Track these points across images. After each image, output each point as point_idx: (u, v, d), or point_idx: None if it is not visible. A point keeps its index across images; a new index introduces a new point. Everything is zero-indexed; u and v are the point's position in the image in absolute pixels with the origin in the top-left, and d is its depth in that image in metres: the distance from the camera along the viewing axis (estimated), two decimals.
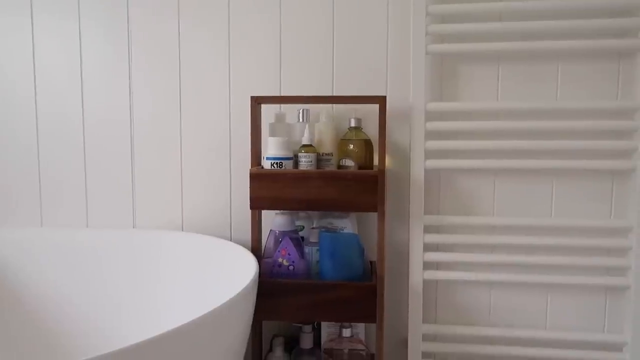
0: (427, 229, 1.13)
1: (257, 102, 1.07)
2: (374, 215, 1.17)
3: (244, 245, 1.12)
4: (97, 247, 1.21)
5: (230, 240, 1.22)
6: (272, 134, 1.11)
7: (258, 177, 1.02)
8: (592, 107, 1.07)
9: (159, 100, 1.23)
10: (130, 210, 1.27)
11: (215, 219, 1.24)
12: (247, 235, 1.21)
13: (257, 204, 1.03)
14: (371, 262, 1.16)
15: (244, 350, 0.98)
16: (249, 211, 1.10)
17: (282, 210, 1.09)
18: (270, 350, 1.12)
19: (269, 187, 1.02)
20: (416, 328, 1.12)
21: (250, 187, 1.02)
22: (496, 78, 1.13)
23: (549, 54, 1.11)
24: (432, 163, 1.11)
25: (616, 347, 1.10)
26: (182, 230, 1.25)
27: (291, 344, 1.14)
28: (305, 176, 1.01)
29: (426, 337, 1.15)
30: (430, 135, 1.12)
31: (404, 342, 1.18)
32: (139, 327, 1.15)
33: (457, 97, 1.14)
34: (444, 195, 1.16)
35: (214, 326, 0.77)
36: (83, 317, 1.19)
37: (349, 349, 1.07)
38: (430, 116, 1.11)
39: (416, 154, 1.10)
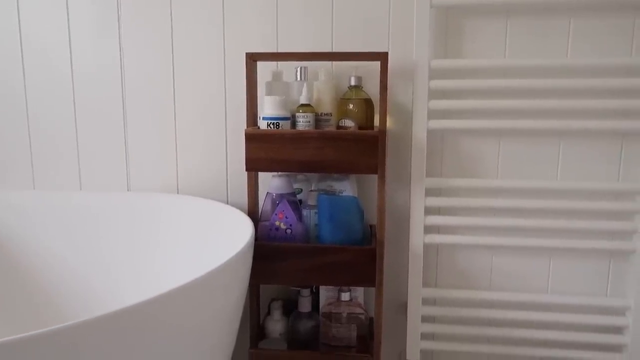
0: (429, 192, 1.10)
1: (252, 59, 1.02)
2: (374, 178, 1.13)
3: (241, 209, 1.09)
4: (92, 209, 1.19)
5: (227, 203, 1.19)
6: (269, 93, 1.07)
7: (254, 138, 0.99)
8: (604, 64, 1.02)
9: (150, 59, 1.18)
10: (124, 173, 1.24)
11: (211, 182, 1.20)
12: (244, 199, 1.18)
13: (253, 165, 0.99)
14: (371, 226, 1.14)
15: (240, 314, 0.97)
16: (245, 174, 1.06)
17: (279, 173, 1.05)
18: (269, 313, 1.11)
19: (265, 148, 0.98)
20: (416, 292, 1.10)
21: (245, 148, 0.99)
22: (504, 33, 1.07)
23: (560, 7, 1.05)
24: (435, 123, 1.06)
25: (619, 312, 1.09)
26: (178, 193, 1.22)
27: (289, 307, 1.13)
28: (303, 136, 0.97)
29: (426, 301, 1.13)
30: (434, 94, 1.07)
31: (404, 306, 1.16)
32: (135, 290, 1.14)
33: (462, 53, 1.09)
34: (447, 157, 1.12)
35: (210, 288, 0.76)
36: (78, 280, 1.18)
37: (348, 313, 1.06)
38: (434, 74, 1.06)
39: (419, 113, 1.06)
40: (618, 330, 1.09)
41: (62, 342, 0.57)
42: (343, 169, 0.98)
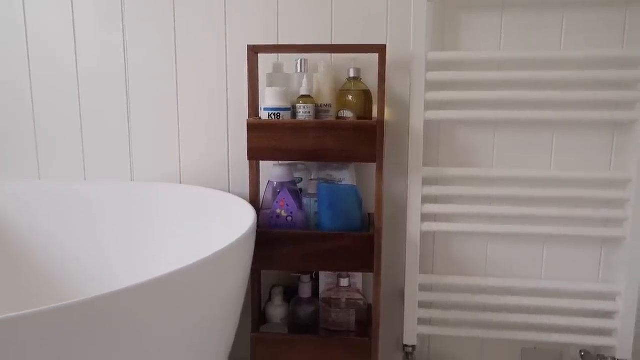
0: (426, 181, 1.13)
1: (254, 51, 1.05)
2: (372, 168, 1.16)
3: (243, 198, 1.11)
4: (95, 199, 1.22)
5: (229, 192, 1.22)
6: (270, 84, 1.09)
7: (255, 128, 1.01)
8: (597, 56, 1.05)
9: (153, 51, 1.21)
10: (127, 163, 1.26)
11: (213, 172, 1.23)
12: (245, 188, 1.20)
13: (255, 154, 1.02)
14: (369, 215, 1.16)
15: (243, 299, 1.00)
16: (247, 163, 1.09)
17: (280, 162, 1.08)
18: (270, 299, 1.14)
19: (266, 138, 1.01)
20: (413, 278, 1.13)
21: (247, 138, 1.01)
22: (499, 26, 1.10)
23: (554, 1, 1.07)
24: (432, 114, 1.09)
25: (609, 297, 1.12)
26: (180, 183, 1.25)
27: (290, 294, 1.16)
28: (303, 126, 1.00)
29: (423, 287, 1.17)
30: (431, 86, 1.10)
31: (401, 293, 1.20)
32: (138, 278, 1.16)
33: (459, 46, 1.11)
34: (443, 147, 1.15)
35: (213, 271, 0.78)
36: (81, 269, 1.21)
37: (347, 299, 1.09)
38: (430, 66, 1.09)
39: (416, 105, 1.09)
40: (609, 315, 1.12)
41: (61, 321, 0.59)
42: (342, 158, 1.00)
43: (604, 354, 1.12)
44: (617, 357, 1.10)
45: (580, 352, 1.15)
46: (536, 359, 1.19)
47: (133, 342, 0.67)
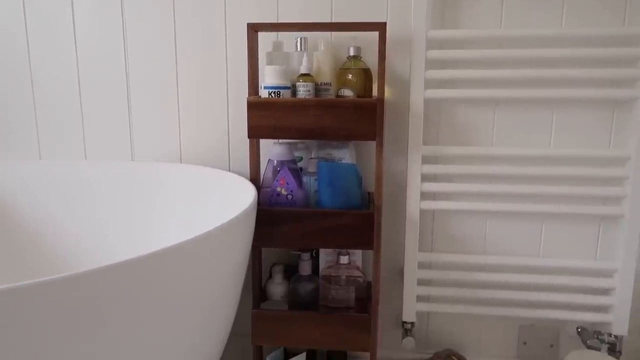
0: (425, 160, 1.14)
1: (253, 29, 1.04)
2: (372, 147, 1.17)
3: (243, 176, 1.12)
4: (96, 179, 1.22)
5: (229, 171, 1.22)
6: (270, 63, 1.09)
7: (256, 106, 1.01)
8: (598, 34, 1.04)
9: (153, 29, 1.20)
10: (127, 142, 1.26)
11: (214, 151, 1.23)
12: (246, 167, 1.21)
13: (255, 133, 1.02)
14: (369, 193, 1.17)
15: (243, 276, 1.01)
16: (247, 142, 1.09)
17: (280, 140, 1.08)
18: (270, 277, 1.15)
19: (266, 116, 1.01)
20: (412, 256, 1.14)
21: (247, 116, 1.01)
22: (500, 4, 1.09)
23: None
24: (432, 93, 1.09)
25: (607, 274, 1.13)
26: (180, 162, 1.25)
27: (290, 272, 1.17)
28: (303, 104, 1.00)
29: (422, 265, 1.18)
30: (431, 64, 1.10)
31: (400, 271, 1.21)
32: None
33: (459, 24, 1.11)
34: (443, 126, 1.15)
35: (212, 247, 0.79)
36: (81, 248, 1.22)
37: (347, 276, 1.10)
38: (431, 44, 1.09)
39: (416, 83, 1.09)
40: (606, 292, 1.13)
41: (61, 292, 0.60)
42: (342, 136, 1.01)
43: (600, 330, 1.14)
44: (613, 333, 1.11)
45: (577, 328, 1.16)
46: (533, 336, 1.21)
47: (134, 315, 0.68)
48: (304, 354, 1.12)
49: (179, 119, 1.23)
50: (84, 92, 1.25)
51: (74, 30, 1.22)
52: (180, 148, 1.25)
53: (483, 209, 1.12)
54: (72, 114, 1.27)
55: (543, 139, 1.13)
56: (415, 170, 1.12)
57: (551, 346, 1.21)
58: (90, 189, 1.22)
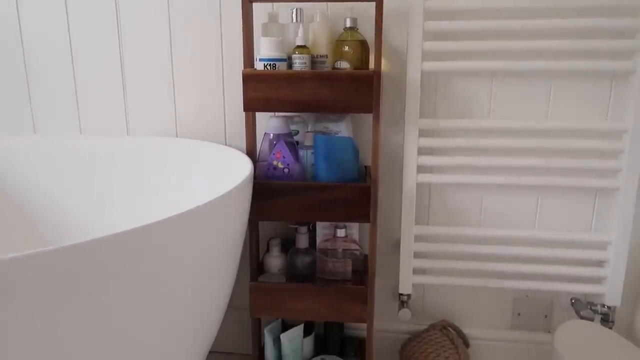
0: (422, 133, 1.13)
1: (248, 0, 1.03)
2: (368, 121, 1.16)
3: (239, 150, 1.12)
4: (91, 154, 1.22)
5: (225, 145, 1.22)
6: (265, 34, 1.07)
7: (251, 78, 1.00)
8: (595, 4, 1.03)
9: (146, 2, 1.18)
10: (122, 117, 1.25)
11: (209, 125, 1.23)
12: (242, 141, 1.21)
13: (251, 106, 1.02)
14: (366, 167, 1.17)
15: (240, 249, 1.01)
16: (243, 115, 1.09)
17: (276, 113, 1.08)
18: (268, 250, 1.16)
19: (262, 89, 1.00)
20: (408, 229, 1.15)
21: (243, 89, 1.01)
22: None
23: None
24: (429, 65, 1.08)
25: (601, 246, 1.14)
26: (177, 136, 1.25)
27: (287, 245, 1.18)
28: (299, 77, 0.99)
29: (418, 238, 1.18)
30: (429, 35, 1.08)
31: (397, 244, 1.22)
32: None
33: None
34: (440, 99, 1.14)
35: (209, 220, 0.79)
36: (77, 223, 1.22)
37: (343, 249, 1.11)
38: (428, 15, 1.07)
39: (413, 55, 1.07)
40: (600, 263, 1.14)
41: (56, 263, 0.60)
42: (338, 109, 1.00)
43: (593, 301, 1.15)
44: (606, 304, 1.13)
45: (571, 299, 1.18)
46: (528, 307, 1.23)
47: (131, 287, 0.68)
48: (302, 325, 1.14)
49: (174, 92, 1.22)
50: (78, 67, 1.24)
51: (66, 4, 1.20)
52: (175, 122, 1.24)
53: (479, 181, 1.12)
54: (66, 89, 1.25)
55: (540, 111, 1.12)
56: (412, 143, 1.11)
57: (545, 317, 1.23)
58: (86, 164, 1.21)
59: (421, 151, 1.13)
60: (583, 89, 1.10)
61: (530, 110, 1.12)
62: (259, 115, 1.15)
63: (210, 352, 1.34)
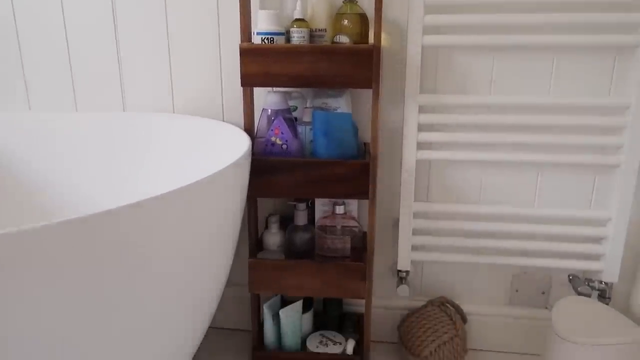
0: (422, 109, 1.12)
1: None
2: (368, 96, 1.15)
3: (237, 127, 1.10)
4: (87, 130, 1.20)
5: (223, 121, 1.20)
6: (263, 7, 1.05)
7: (249, 53, 0.98)
8: None
9: None
10: (118, 93, 1.24)
11: (207, 101, 1.21)
12: (240, 117, 1.20)
13: (248, 80, 1.00)
14: (365, 144, 1.16)
15: (239, 225, 1.01)
16: (241, 92, 1.07)
17: (274, 89, 1.06)
18: (267, 227, 1.16)
19: (260, 63, 0.98)
20: (408, 206, 1.15)
21: (240, 63, 0.99)
22: None
23: None
24: (430, 39, 1.06)
25: (600, 223, 1.14)
26: (174, 112, 1.23)
27: (286, 222, 1.17)
28: (297, 51, 0.97)
29: (417, 215, 1.18)
30: (430, 9, 1.06)
31: (396, 220, 1.21)
32: None
33: None
34: (441, 74, 1.12)
35: (206, 195, 0.78)
36: (73, 200, 1.21)
37: (342, 226, 1.11)
38: None
39: (413, 29, 1.05)
40: (598, 240, 1.14)
41: (58, 237, 0.60)
42: (337, 83, 0.98)
43: (591, 277, 1.16)
44: (604, 280, 1.13)
45: (569, 276, 1.18)
46: (526, 284, 1.23)
47: (128, 262, 0.68)
48: (301, 301, 1.14)
49: (170, 68, 1.20)
50: (72, 43, 1.21)
51: None
52: (172, 98, 1.22)
53: (480, 158, 1.11)
54: (61, 65, 1.23)
55: (542, 87, 1.11)
56: (411, 119, 1.10)
57: (542, 293, 1.23)
58: (83, 141, 1.20)
59: (421, 127, 1.12)
60: (586, 64, 1.08)
61: (532, 86, 1.11)
62: (257, 92, 1.14)
63: (211, 327, 1.35)
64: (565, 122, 1.07)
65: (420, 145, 1.13)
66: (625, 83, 1.08)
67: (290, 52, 0.97)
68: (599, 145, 1.09)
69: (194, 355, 1.16)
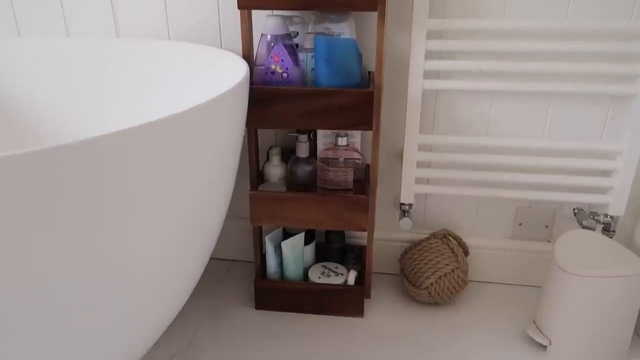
0: (430, 35, 1.06)
1: None
2: (373, 22, 1.08)
3: (235, 54, 1.05)
4: (80, 57, 1.15)
5: (221, 48, 1.15)
6: None
7: None
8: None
9: None
10: (110, 18, 1.17)
11: (203, 26, 1.15)
12: (238, 45, 1.14)
13: (245, 2, 0.94)
14: (369, 72, 1.11)
15: (238, 158, 0.98)
16: (239, 16, 1.01)
17: (273, 12, 1.00)
18: (268, 160, 1.13)
19: None
20: (412, 138, 1.11)
21: None
22: None
23: None
24: None
25: (610, 155, 1.10)
26: (169, 39, 1.17)
27: (288, 154, 1.15)
28: None
29: (422, 147, 1.15)
30: None
31: (400, 154, 1.18)
32: None
33: None
34: None
35: (203, 122, 0.75)
36: (67, 128, 1.18)
37: (345, 158, 1.08)
38: None
39: None
40: (607, 173, 1.12)
41: (56, 162, 0.58)
42: (340, 5, 0.92)
43: (597, 211, 1.14)
44: (610, 213, 1.12)
45: (574, 209, 1.17)
46: (530, 217, 1.22)
47: (128, 189, 0.66)
48: (302, 233, 1.14)
49: None
50: None
51: None
52: (167, 25, 1.16)
53: (489, 88, 1.06)
54: None
55: (560, 10, 1.04)
56: (419, 46, 1.04)
57: (546, 227, 1.22)
58: (76, 68, 1.15)
59: (428, 55, 1.06)
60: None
61: (548, 7, 1.04)
62: (256, 16, 1.07)
63: (213, 258, 1.36)
64: (580, 49, 1.01)
65: (427, 74, 1.08)
66: None
67: None
68: (614, 74, 1.03)
69: (197, 285, 1.18)
